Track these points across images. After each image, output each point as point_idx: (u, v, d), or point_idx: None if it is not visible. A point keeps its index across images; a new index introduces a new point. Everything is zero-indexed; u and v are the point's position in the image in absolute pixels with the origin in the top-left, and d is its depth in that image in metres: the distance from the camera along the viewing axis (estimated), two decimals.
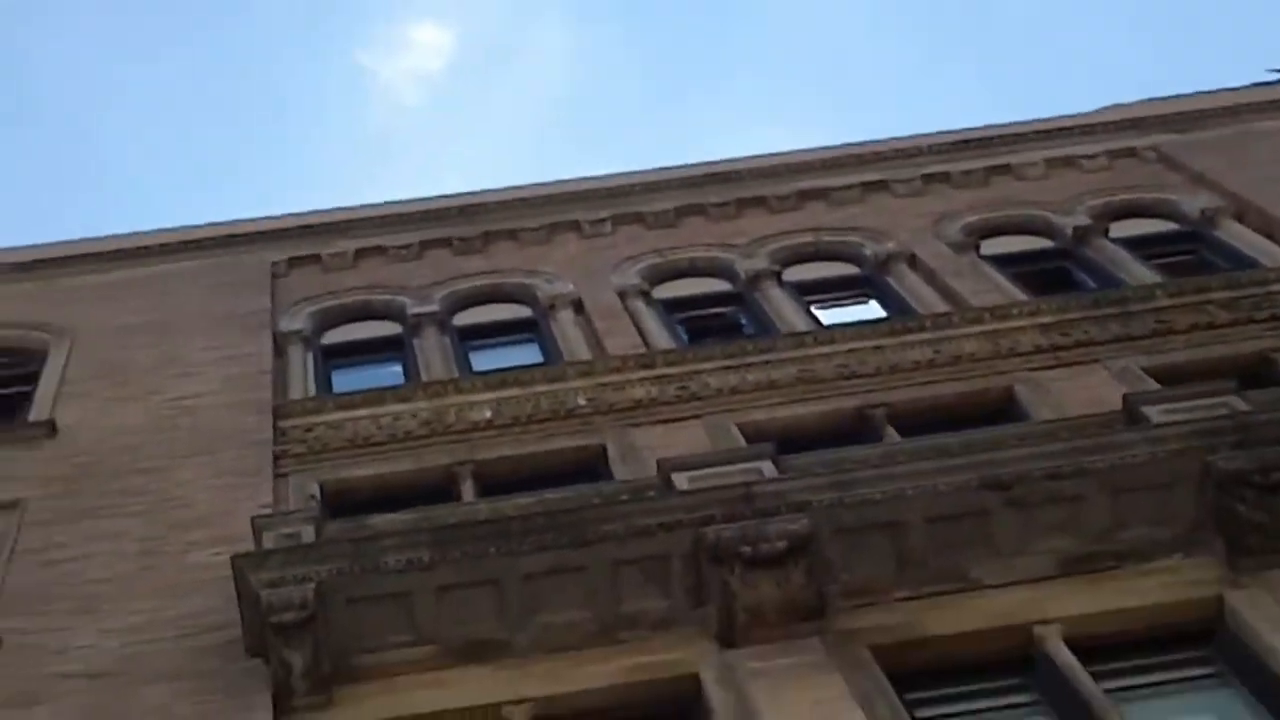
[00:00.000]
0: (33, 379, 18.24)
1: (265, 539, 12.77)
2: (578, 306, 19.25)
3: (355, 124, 60.75)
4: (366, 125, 60.59)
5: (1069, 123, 23.09)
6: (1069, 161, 22.25)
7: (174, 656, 12.46)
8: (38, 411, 17.01)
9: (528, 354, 18.60)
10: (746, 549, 12.06)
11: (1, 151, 56.92)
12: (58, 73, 57.17)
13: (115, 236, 21.95)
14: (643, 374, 16.89)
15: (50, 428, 16.36)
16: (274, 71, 60.00)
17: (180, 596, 13.24)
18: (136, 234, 21.97)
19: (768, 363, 16.92)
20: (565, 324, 18.83)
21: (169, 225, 22.26)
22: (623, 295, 19.41)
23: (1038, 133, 22.77)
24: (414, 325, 19.24)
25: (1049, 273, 19.61)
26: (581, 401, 16.50)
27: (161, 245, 21.47)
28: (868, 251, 20.27)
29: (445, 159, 60.37)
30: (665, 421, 16.13)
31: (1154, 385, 15.64)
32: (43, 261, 21.19)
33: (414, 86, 61.15)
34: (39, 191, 57.42)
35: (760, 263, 20.14)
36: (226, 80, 60.23)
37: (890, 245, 20.25)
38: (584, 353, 17.87)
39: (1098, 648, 11.86)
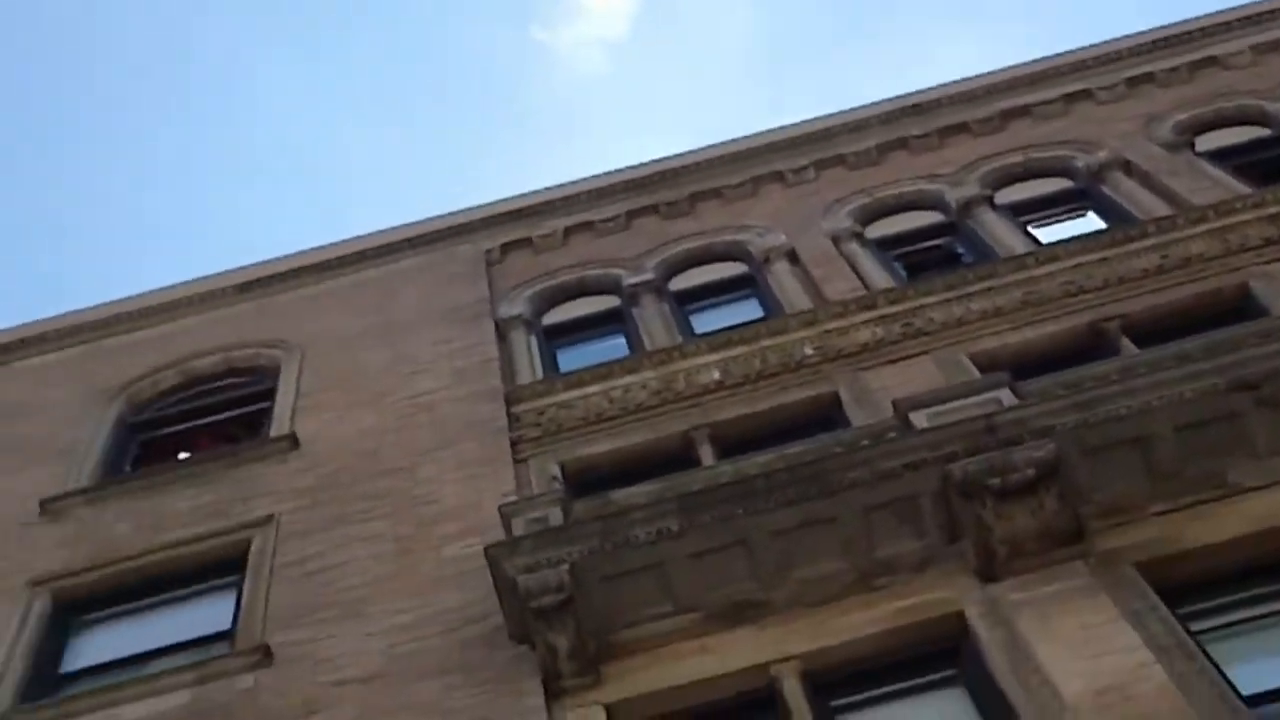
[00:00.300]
0: (269, 395, 18.57)
1: (515, 526, 12.88)
2: (792, 257, 19.14)
3: (542, 101, 61.06)
4: (554, 100, 60.87)
5: (1272, 5, 22.37)
6: (1277, 46, 21.59)
7: (441, 651, 12.62)
8: (278, 426, 17.31)
9: (748, 310, 18.53)
10: (995, 481, 11.90)
11: (216, 178, 58.07)
12: (230, 77, 58.08)
13: (329, 245, 22.24)
14: (866, 316, 16.74)
15: (292, 441, 16.64)
16: (452, 57, 60.44)
17: (439, 592, 13.39)
18: (349, 240, 22.23)
19: (991, 289, 16.67)
20: (782, 275, 18.72)
21: (374, 229, 22.55)
22: (835, 239, 19.25)
23: (1241, 20, 22.11)
24: (631, 296, 19.27)
25: (1269, 162, 19.05)
26: (808, 351, 16.39)
27: (375, 248, 21.72)
28: (1079, 163, 19.87)
29: (638, 125, 60.45)
30: (895, 361, 15.96)
31: None
32: (262, 280, 21.56)
33: (595, 55, 61.24)
34: (248, 209, 58.54)
35: (970, 189, 19.85)
36: (408, 75, 60.78)
37: (1101, 154, 19.84)
38: (804, 302, 17.75)
39: None
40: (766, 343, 16.64)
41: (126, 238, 57.65)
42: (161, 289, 21.80)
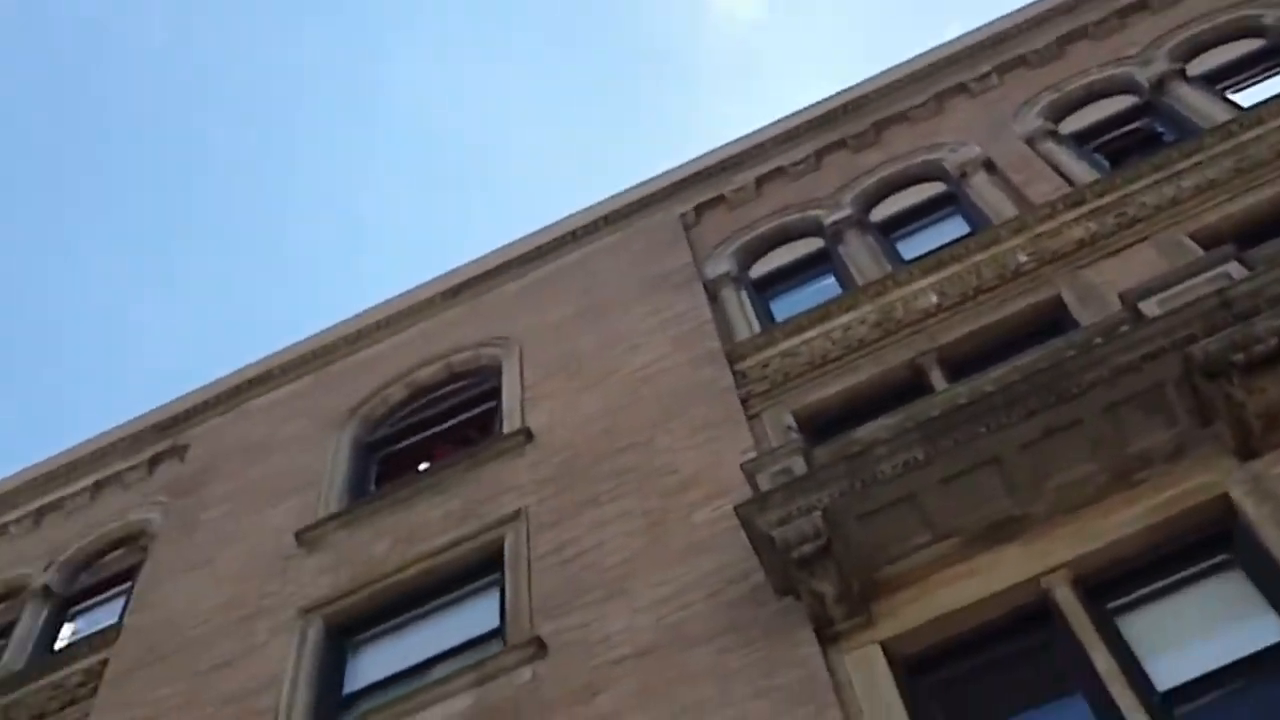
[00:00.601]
0: (495, 394, 18.76)
1: (760, 481, 12.85)
2: (989, 166, 18.85)
3: (709, 56, 60.88)
4: (720, 54, 60.65)
5: None
6: None
7: (708, 616, 12.64)
8: (510, 422, 17.47)
9: (954, 228, 18.29)
10: (1239, 356, 11.61)
11: (412, 189, 58.79)
12: (396, 87, 58.74)
13: (527, 237, 22.38)
14: (1076, 213, 16.43)
15: (526, 434, 16.77)
16: (611, 33, 60.50)
17: (696, 558, 13.42)
18: (546, 228, 22.35)
19: (1200, 164, 16.27)
20: (982, 187, 18.46)
21: (567, 213, 22.66)
22: (1030, 141, 18.92)
23: None
24: (834, 234, 19.13)
25: None
26: (1023, 259, 16.14)
27: (573, 232, 21.83)
28: (1267, 20, 19.29)
29: (808, 62, 59.98)
30: (1113, 254, 15.66)
31: None
32: (469, 281, 21.78)
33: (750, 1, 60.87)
34: (444, 216, 59.18)
35: (1160, 66, 19.38)
36: (571, 58, 60.98)
37: None
38: (1010, 210, 17.47)
39: None
40: (979, 257, 16.42)
41: (334, 260, 58.62)
42: (375, 307, 22.14)
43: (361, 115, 58.91)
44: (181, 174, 58.37)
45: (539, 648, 13.11)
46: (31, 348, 57.28)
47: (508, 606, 14.12)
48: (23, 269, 56.42)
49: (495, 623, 14.21)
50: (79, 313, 57.54)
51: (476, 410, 18.92)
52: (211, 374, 23.71)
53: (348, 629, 15.24)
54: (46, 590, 19.51)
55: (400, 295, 22.23)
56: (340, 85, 59.10)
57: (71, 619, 19.33)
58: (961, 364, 15.07)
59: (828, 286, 18.35)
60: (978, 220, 17.91)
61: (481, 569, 15.05)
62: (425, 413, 19.47)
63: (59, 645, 18.64)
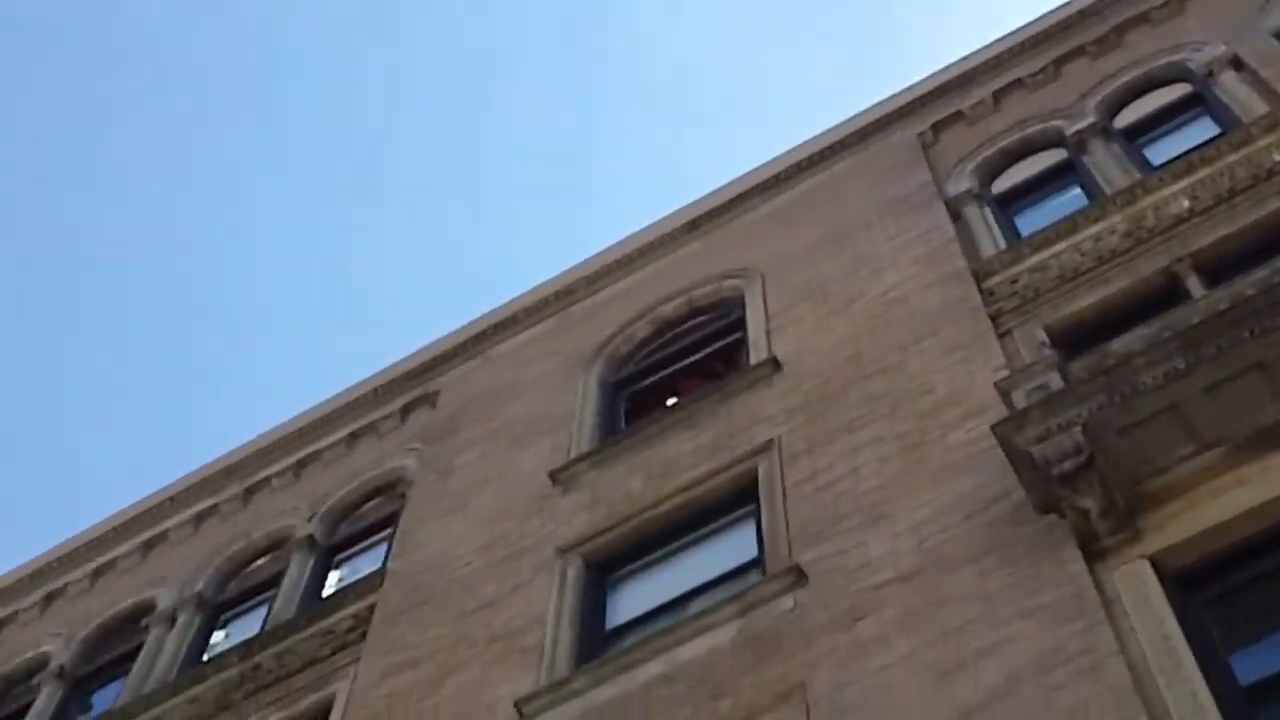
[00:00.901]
0: (739, 325, 18.71)
1: (1016, 399, 12.62)
2: (1236, 64, 18.26)
3: None
4: None
5: None
6: None
7: (969, 538, 12.47)
8: (757, 353, 17.39)
9: (1203, 130, 17.76)
10: None
11: (651, 123, 58.90)
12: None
13: (764, 165, 22.25)
14: None
15: (774, 364, 16.69)
16: None
17: (953, 480, 13.25)
18: (782, 155, 22.20)
19: None
20: (1230, 86, 17.90)
21: (803, 139, 22.45)
22: None
23: None
24: (1077, 144, 18.71)
25: None
26: (1278, 157, 15.61)
27: (810, 158, 21.69)
28: None
29: None
30: None
31: None
32: (708, 214, 21.75)
33: None
34: (683, 149, 59.18)
35: None
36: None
37: None
38: (1260, 107, 16.91)
39: None
40: (1231, 158, 15.92)
41: (569, 200, 59.00)
42: (614, 245, 22.23)
43: (591, 48, 59.11)
44: (405, 116, 59.06)
45: (799, 576, 13.04)
46: (276, 304, 58.55)
47: (765, 536, 14.08)
48: (260, 228, 57.59)
49: (753, 553, 14.18)
50: (325, 265, 58.65)
51: (722, 343, 18.88)
52: (457, 321, 23.94)
53: (606, 565, 15.33)
54: (311, 540, 19.95)
55: (639, 231, 22.27)
56: (570, 18, 59.30)
57: (336, 567, 19.74)
58: (1218, 268, 14.65)
59: (1074, 198, 17.95)
60: (1227, 120, 17.36)
61: (736, 500, 15.03)
62: (670, 348, 19.50)
63: (326, 593, 19.03)
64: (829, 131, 22.12)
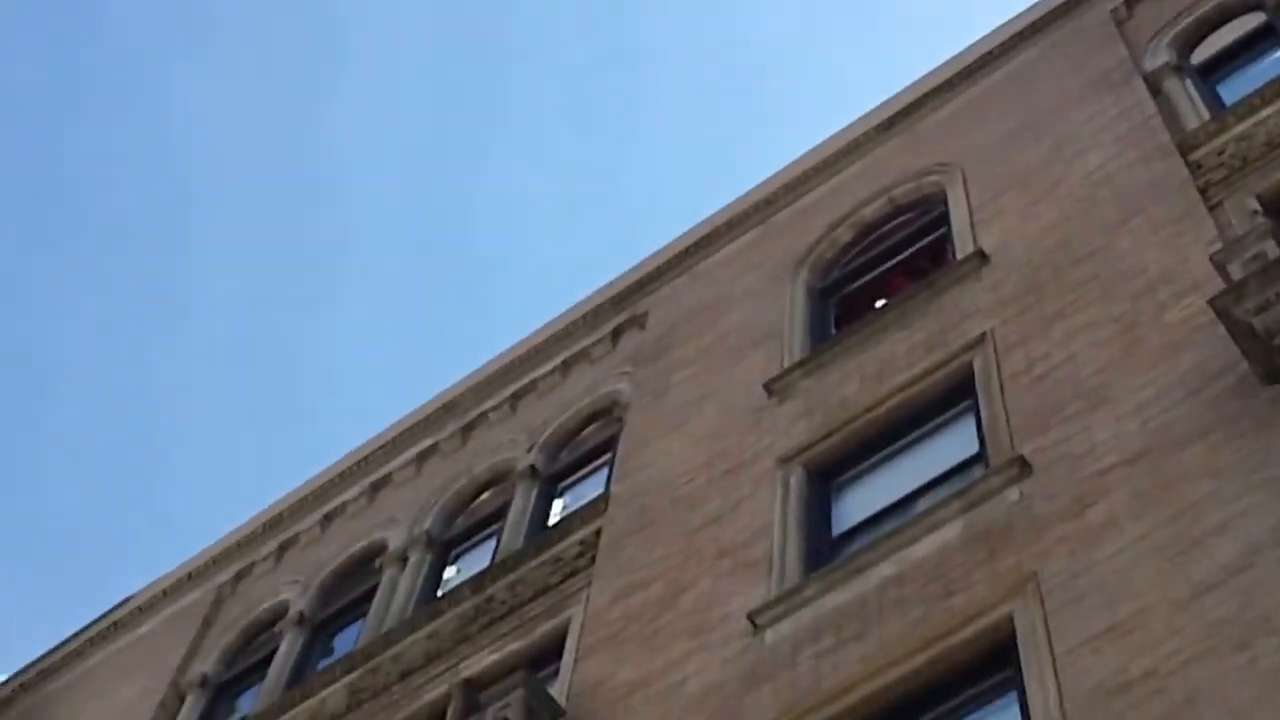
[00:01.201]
0: (942, 221, 18.51)
1: (1232, 271, 12.40)
2: None
3: None
4: None
5: None
6: None
7: (1195, 415, 12.29)
8: (963, 247, 17.19)
9: None
10: None
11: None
12: None
13: (953, 59, 21.91)
14: None
15: (981, 256, 16.49)
16: None
17: (1173, 357, 13.05)
18: (972, 46, 21.83)
19: None
20: None
21: (990, 28, 22.06)
22: None
23: None
24: (1277, 5, 18.14)
25: None
26: None
27: (1000, 46, 21.27)
28: None
29: None
30: None
31: None
32: (901, 111, 21.49)
33: None
34: (872, 48, 58.59)
35: None
36: None
37: None
38: None
39: None
40: None
41: (754, 112, 58.70)
42: (809, 151, 22.08)
43: None
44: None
45: (1023, 467, 12.92)
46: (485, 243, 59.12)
47: (985, 430, 13.97)
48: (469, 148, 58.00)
49: (975, 448, 14.07)
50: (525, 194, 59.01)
51: (926, 240, 18.71)
52: (658, 242, 24.02)
53: (828, 472, 15.32)
54: (532, 470, 20.16)
55: (832, 136, 22.10)
56: None
57: (560, 495, 19.94)
58: None
59: (1276, 62, 17.44)
60: None
61: (954, 396, 14.92)
62: (874, 250, 19.37)
63: (552, 521, 19.25)
64: (1018, 18, 21.70)
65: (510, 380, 22.36)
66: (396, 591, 19.78)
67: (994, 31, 21.76)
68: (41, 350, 56.38)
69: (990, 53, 21.19)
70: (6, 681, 26.46)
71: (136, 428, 55.73)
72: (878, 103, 22.08)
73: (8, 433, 54.09)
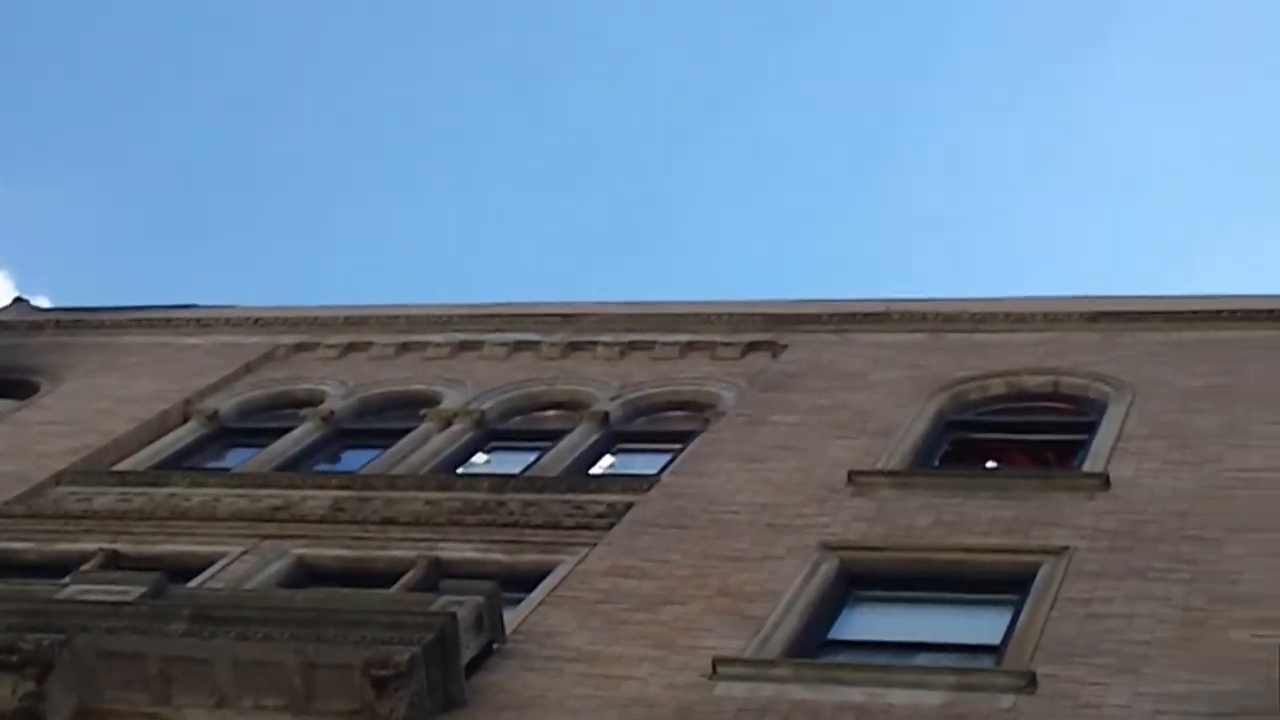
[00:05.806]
0: (1089, 429, 18.37)
1: None
2: None
3: None
4: None
5: None
6: None
7: None
8: (1093, 462, 17.08)
9: None
10: None
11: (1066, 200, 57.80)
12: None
13: (1182, 297, 21.80)
14: None
15: (1104, 481, 16.36)
16: None
17: (1218, 673, 12.85)
18: (1205, 296, 21.68)
19: None
20: None
21: (1231, 292, 21.84)
22: None
23: None
24: None
25: None
26: None
27: (1232, 310, 21.05)
28: None
29: None
30: None
31: None
32: (1110, 314, 21.32)
33: None
34: (1099, 239, 57.94)
35: None
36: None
37: None
38: None
39: None
40: None
41: (982, 245, 58.00)
42: (1011, 298, 22.03)
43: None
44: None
45: (1030, 682, 12.77)
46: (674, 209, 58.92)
47: (1015, 631, 13.86)
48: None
49: (996, 640, 13.96)
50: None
51: (1064, 436, 18.65)
52: (840, 292, 23.89)
53: (858, 580, 15.28)
54: (605, 417, 20.27)
55: (1038, 297, 22.07)
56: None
57: (614, 453, 20.00)
58: None
59: None
60: None
61: (1007, 585, 14.78)
62: (1015, 416, 19.37)
63: (594, 471, 19.30)
64: (1262, 297, 21.45)
65: (635, 329, 22.43)
66: (424, 447, 19.95)
67: (1235, 295, 21.55)
68: None
69: (1220, 311, 20.94)
70: (49, 310, 26.89)
71: None
72: (1111, 292, 21.97)
73: None
